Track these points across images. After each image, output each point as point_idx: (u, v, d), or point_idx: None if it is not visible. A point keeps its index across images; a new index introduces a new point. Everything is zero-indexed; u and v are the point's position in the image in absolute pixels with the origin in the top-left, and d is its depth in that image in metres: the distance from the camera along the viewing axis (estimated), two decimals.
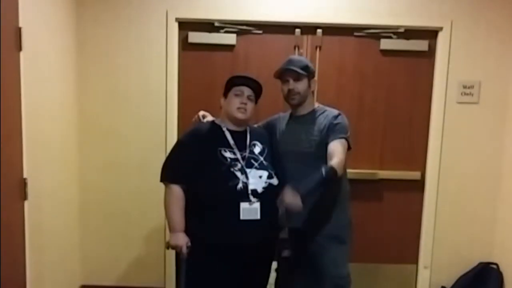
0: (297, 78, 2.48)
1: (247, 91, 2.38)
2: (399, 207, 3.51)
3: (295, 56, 2.67)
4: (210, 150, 2.33)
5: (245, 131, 2.46)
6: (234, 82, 2.40)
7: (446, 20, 3.29)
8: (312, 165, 2.39)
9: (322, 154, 2.43)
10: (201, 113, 2.59)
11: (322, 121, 2.50)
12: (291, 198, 2.13)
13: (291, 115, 2.64)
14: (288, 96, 2.52)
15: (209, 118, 2.58)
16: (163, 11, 3.24)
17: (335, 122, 2.47)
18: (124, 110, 3.33)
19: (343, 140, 2.43)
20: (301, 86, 2.49)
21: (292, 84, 2.48)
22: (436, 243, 3.47)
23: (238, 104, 2.36)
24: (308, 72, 2.51)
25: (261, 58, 3.34)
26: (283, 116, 2.69)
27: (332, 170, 2.25)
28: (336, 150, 2.37)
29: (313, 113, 2.56)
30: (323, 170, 2.23)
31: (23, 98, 2.47)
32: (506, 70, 3.32)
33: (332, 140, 2.42)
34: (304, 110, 2.57)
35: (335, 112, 2.53)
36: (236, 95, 2.37)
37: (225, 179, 2.26)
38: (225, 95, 2.43)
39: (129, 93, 3.31)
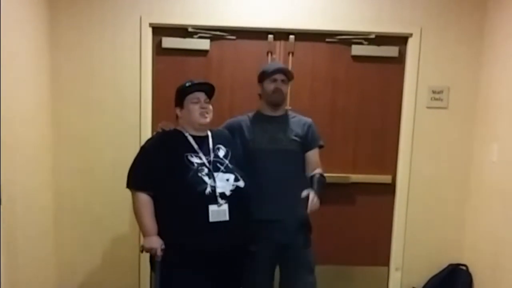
0: (284, 79, 2.67)
1: (202, 96, 2.44)
2: (371, 210, 3.56)
3: (278, 62, 2.91)
4: (177, 156, 2.35)
5: (207, 136, 2.49)
6: (186, 91, 2.43)
7: (416, 26, 3.35)
8: (293, 161, 2.66)
9: (301, 153, 2.70)
10: (163, 122, 2.60)
11: (296, 125, 2.73)
12: (317, 205, 2.47)
13: (259, 116, 2.74)
14: (273, 94, 2.65)
15: (170, 126, 2.57)
16: (137, 16, 3.25)
17: (313, 130, 2.75)
18: (98, 114, 3.32)
19: (318, 148, 2.77)
20: (286, 87, 2.71)
21: (280, 83, 2.65)
22: (407, 245, 3.53)
23: (200, 110, 2.41)
24: (290, 77, 2.72)
25: (235, 63, 3.38)
26: (244, 118, 2.76)
27: (324, 178, 2.68)
28: (317, 160, 2.75)
29: (286, 116, 2.77)
30: (321, 177, 2.65)
31: None
32: (475, 76, 3.39)
33: (312, 148, 2.74)
34: (279, 112, 2.74)
35: (308, 120, 2.78)
36: (194, 102, 2.42)
37: (193, 185, 2.29)
38: (180, 105, 2.46)
39: (103, 98, 3.31)
